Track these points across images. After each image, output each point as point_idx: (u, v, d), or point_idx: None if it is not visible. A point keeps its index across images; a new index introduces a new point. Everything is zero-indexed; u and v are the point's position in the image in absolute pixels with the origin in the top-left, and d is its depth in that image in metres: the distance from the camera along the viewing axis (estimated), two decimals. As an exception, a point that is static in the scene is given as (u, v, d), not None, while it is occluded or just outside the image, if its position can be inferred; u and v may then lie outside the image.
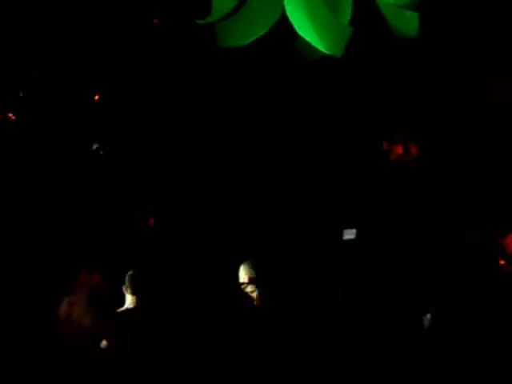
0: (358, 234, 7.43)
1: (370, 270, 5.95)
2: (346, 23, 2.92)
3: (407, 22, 3.22)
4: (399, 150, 7.83)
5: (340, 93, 5.79)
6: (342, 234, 7.42)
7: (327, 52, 2.78)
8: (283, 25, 2.74)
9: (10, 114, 7.11)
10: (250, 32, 2.68)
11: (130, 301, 4.68)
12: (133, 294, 4.64)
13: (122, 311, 4.55)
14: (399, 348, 3.81)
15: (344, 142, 7.58)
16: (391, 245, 6.42)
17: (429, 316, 4.51)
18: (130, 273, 4.83)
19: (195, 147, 7.53)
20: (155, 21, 4.82)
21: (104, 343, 4.29)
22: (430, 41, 4.81)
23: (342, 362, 3.69)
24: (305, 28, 2.72)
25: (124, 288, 4.69)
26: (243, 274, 4.92)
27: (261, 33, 2.70)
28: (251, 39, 2.70)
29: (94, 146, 7.83)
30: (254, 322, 3.99)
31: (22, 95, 6.42)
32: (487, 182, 6.38)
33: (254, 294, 4.59)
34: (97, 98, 7.20)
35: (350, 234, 7.44)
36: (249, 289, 5.15)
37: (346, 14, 2.99)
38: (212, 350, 3.83)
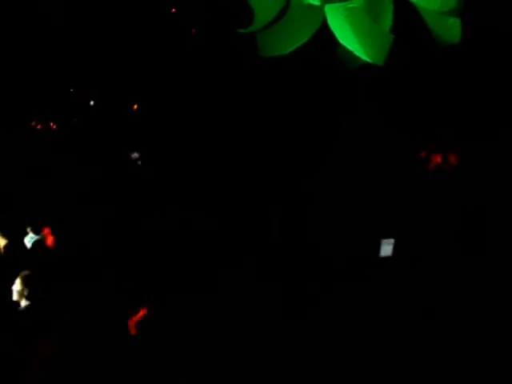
0: (395, 243, 7.34)
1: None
2: (387, 31, 2.88)
3: (449, 29, 3.16)
4: (438, 158, 7.71)
5: (380, 100, 5.75)
6: (379, 244, 7.33)
7: (369, 60, 2.75)
8: (324, 34, 2.72)
9: (51, 123, 7.26)
10: (291, 41, 2.67)
11: None
12: None
13: None
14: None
15: (382, 148, 7.50)
16: (427, 250, 6.35)
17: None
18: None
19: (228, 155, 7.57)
20: (193, 31, 4.87)
21: None
22: (472, 48, 4.72)
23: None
24: (346, 37, 2.69)
25: None
26: None
27: (302, 42, 2.68)
28: (292, 48, 2.68)
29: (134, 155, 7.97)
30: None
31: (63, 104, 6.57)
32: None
33: None
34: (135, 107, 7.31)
35: (387, 244, 7.34)
36: None
37: (388, 21, 2.95)
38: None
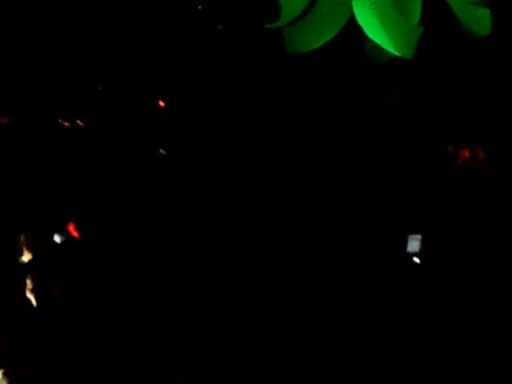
0: (422, 240, 7.26)
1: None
2: (415, 23, 2.85)
3: (479, 20, 3.11)
4: (465, 153, 7.60)
5: (407, 94, 5.69)
6: (406, 241, 7.26)
7: (397, 54, 2.72)
8: (351, 28, 2.70)
9: (78, 121, 7.33)
10: (318, 37, 2.65)
11: None
12: None
13: None
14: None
15: (408, 142, 7.42)
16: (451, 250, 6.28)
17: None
18: None
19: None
20: (220, 27, 4.87)
21: None
22: (503, 41, 4.63)
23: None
24: (374, 30, 2.67)
25: None
26: None
27: (329, 37, 2.66)
28: (320, 44, 2.67)
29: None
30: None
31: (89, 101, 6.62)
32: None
33: None
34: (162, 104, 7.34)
35: (414, 240, 7.27)
36: None
37: (416, 14, 2.91)
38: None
